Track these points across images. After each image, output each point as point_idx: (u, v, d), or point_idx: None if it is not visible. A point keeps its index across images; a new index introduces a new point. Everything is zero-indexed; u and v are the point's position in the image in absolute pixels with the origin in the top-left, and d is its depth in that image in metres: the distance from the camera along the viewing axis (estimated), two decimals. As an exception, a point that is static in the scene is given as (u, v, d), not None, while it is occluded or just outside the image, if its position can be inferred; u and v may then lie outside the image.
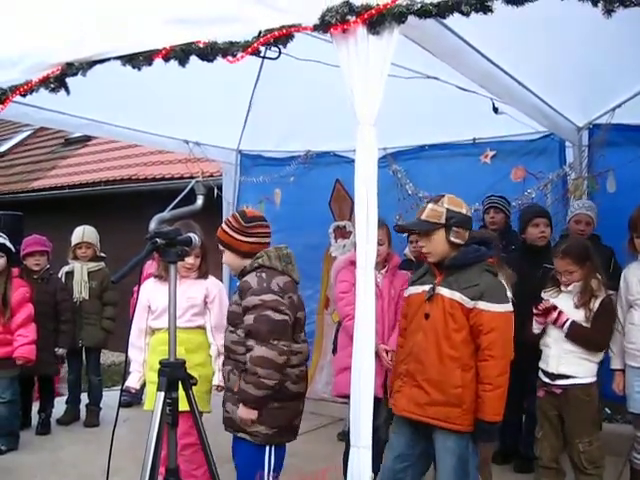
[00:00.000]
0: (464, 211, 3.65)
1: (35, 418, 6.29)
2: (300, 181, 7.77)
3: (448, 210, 3.57)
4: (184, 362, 3.16)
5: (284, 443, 3.84)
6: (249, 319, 3.53)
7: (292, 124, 7.21)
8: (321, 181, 7.64)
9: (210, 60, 3.33)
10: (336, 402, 5.94)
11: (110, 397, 6.61)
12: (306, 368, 3.90)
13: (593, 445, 4.20)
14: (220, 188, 8.19)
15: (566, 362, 4.22)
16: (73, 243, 6.47)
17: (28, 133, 19.14)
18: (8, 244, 5.66)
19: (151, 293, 4.35)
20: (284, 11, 3.10)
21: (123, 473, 4.43)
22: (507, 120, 5.54)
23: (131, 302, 6.06)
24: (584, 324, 4.21)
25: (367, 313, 2.91)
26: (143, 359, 4.41)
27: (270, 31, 3.09)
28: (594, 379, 4.25)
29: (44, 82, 3.73)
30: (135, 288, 4.29)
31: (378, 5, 2.87)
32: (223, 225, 3.93)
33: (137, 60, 3.47)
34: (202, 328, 4.40)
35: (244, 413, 3.56)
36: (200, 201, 3.33)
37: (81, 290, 6.35)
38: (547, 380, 4.30)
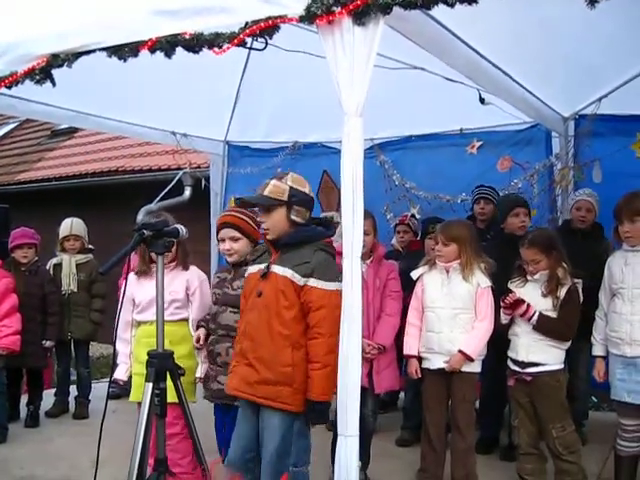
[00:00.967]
0: (307, 191, 3.64)
1: (24, 411, 6.27)
2: (288, 172, 7.75)
3: (291, 188, 3.55)
4: (172, 353, 3.19)
5: None
6: None
7: (279, 115, 7.21)
8: (309, 172, 7.48)
9: (196, 51, 3.33)
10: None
11: (99, 389, 6.61)
12: None
13: (566, 430, 4.27)
14: (208, 179, 8.19)
15: (535, 350, 4.29)
16: (61, 235, 6.44)
17: (14, 125, 19.05)
18: None
19: (134, 287, 4.39)
20: (270, 2, 3.10)
21: (112, 464, 4.41)
22: (494, 110, 5.56)
23: (119, 295, 6.05)
24: (551, 313, 4.28)
25: (354, 303, 2.93)
26: (130, 351, 4.47)
27: (256, 22, 3.09)
28: (562, 366, 4.35)
29: (29, 74, 3.71)
30: (120, 281, 4.31)
31: (363, -4, 2.88)
32: (238, 214, 4.12)
33: (123, 51, 3.47)
34: (186, 320, 4.42)
35: None
36: (188, 192, 3.35)
37: (70, 282, 6.33)
38: (517, 368, 4.37)
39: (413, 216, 6.33)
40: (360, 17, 2.90)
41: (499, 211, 5.52)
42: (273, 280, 3.50)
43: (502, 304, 4.35)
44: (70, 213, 6.73)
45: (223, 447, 4.12)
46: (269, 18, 3.07)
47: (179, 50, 3.38)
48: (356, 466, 2.92)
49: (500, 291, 4.51)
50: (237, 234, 4.10)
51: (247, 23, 3.13)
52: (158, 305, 3.12)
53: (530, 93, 5.31)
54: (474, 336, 4.41)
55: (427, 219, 5.95)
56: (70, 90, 4.77)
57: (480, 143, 6.73)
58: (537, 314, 4.26)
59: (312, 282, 3.43)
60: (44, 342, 6.07)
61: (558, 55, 4.78)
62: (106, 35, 3.51)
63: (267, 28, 3.07)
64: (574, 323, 4.29)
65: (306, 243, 3.55)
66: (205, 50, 3.31)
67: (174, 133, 7.40)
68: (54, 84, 3.77)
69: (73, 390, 6.62)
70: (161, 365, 3.04)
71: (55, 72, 3.73)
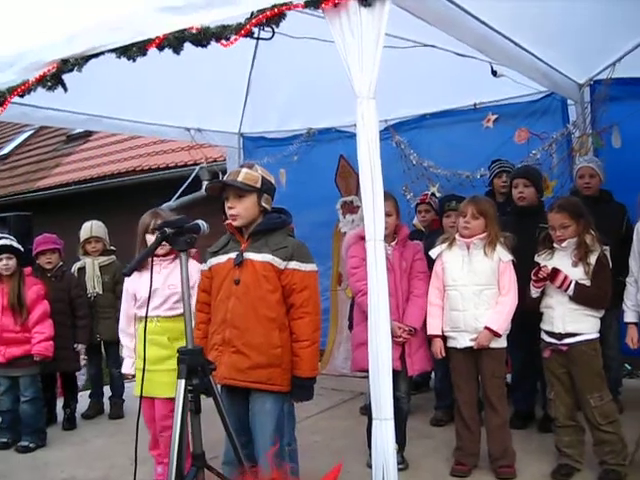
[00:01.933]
0: (273, 180, 3.77)
1: (60, 414, 6.34)
2: (304, 159, 7.77)
3: (262, 177, 3.66)
4: (202, 349, 3.20)
5: None
6: None
7: (292, 103, 7.20)
8: (325, 158, 7.63)
9: (204, 45, 3.33)
10: (356, 376, 5.98)
11: (131, 388, 6.65)
12: None
13: (604, 400, 4.23)
14: (225, 173, 8.17)
15: (571, 321, 4.25)
16: (82, 239, 6.47)
17: (29, 133, 19.15)
18: (15, 245, 5.68)
19: (135, 282, 4.42)
20: (274, -10, 3.08)
21: (150, 462, 4.48)
22: (507, 83, 5.51)
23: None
24: (585, 281, 4.23)
25: (380, 285, 2.92)
26: (134, 345, 4.53)
27: (262, 11, 3.08)
28: (598, 334, 4.30)
29: (41, 81, 3.73)
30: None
31: (368, -23, 2.85)
32: None
33: (131, 51, 3.47)
34: (179, 316, 4.36)
35: None
36: (204, 187, 3.34)
37: (94, 285, 6.36)
38: (553, 340, 4.32)
39: (433, 195, 6.28)
40: (366, -2, 2.87)
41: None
42: (250, 267, 3.58)
43: (534, 277, 4.31)
44: (91, 216, 6.76)
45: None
46: (274, 6, 3.06)
47: (187, 45, 3.37)
48: (393, 449, 2.92)
49: (520, 264, 4.49)
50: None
51: (253, 13, 3.12)
52: (185, 301, 3.13)
53: (542, 62, 5.25)
54: (499, 311, 4.39)
55: (443, 197, 5.93)
56: (82, 94, 4.78)
57: (495, 116, 6.67)
58: (574, 283, 4.21)
59: (293, 265, 3.59)
60: (76, 346, 6.12)
61: (569, 21, 4.72)
62: (113, 36, 3.52)
63: (273, 16, 3.06)
64: (609, 290, 4.24)
65: (277, 230, 3.68)
66: (213, 43, 3.31)
67: (188, 129, 7.41)
68: (66, 89, 3.79)
69: (107, 391, 6.66)
70: (192, 361, 3.05)
71: (66, 77, 3.74)
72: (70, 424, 6.23)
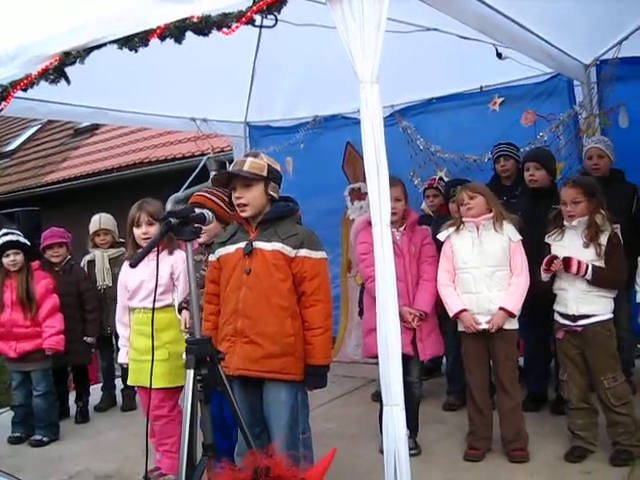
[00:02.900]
0: (279, 168, 3.75)
1: (73, 408, 6.37)
2: (311, 147, 7.74)
3: (268, 165, 3.63)
4: (210, 338, 3.20)
5: None
6: None
7: (297, 90, 7.17)
8: (332, 145, 7.60)
9: (205, 34, 3.31)
10: (368, 363, 5.96)
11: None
12: None
13: (618, 381, 4.22)
14: (232, 162, 8.13)
15: (585, 302, 4.24)
16: (91, 231, 6.49)
17: (37, 128, 19.19)
18: (22, 240, 5.69)
19: (125, 274, 4.59)
20: (275, -24, 3.06)
21: (163, 453, 4.50)
22: (512, 65, 5.46)
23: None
24: (597, 262, 4.20)
25: (387, 270, 2.90)
26: (128, 334, 4.64)
27: (262, -2, 3.06)
28: (612, 315, 4.29)
29: (43, 74, 3.72)
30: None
31: (369, -41, 2.83)
32: (210, 195, 4.22)
33: (133, 42, 3.45)
34: (171, 306, 4.44)
35: None
36: (211, 178, 3.33)
37: (104, 277, 6.37)
38: (567, 322, 4.31)
39: (441, 179, 6.26)
40: (367, -18, 2.85)
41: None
42: (260, 256, 3.56)
43: (544, 267, 4.29)
44: (99, 209, 6.77)
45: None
46: (275, -8, 3.03)
47: (189, 35, 3.35)
48: (404, 434, 2.91)
49: (532, 247, 4.47)
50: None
51: (254, 0, 3.09)
52: (192, 291, 3.12)
53: (547, 43, 5.20)
54: (513, 292, 4.38)
55: (448, 182, 5.92)
56: (87, 87, 4.79)
57: (502, 99, 6.63)
58: (591, 268, 4.18)
59: (303, 252, 3.57)
60: (86, 339, 6.14)
61: (573, 0, 4.67)
62: (114, 27, 3.50)
63: (274, 3, 3.03)
64: (624, 269, 4.23)
65: (285, 218, 3.66)
66: (215, 32, 3.29)
67: (194, 119, 7.39)
68: (69, 82, 3.78)
69: (119, 383, 6.68)
70: (201, 351, 3.05)
71: (69, 70, 3.73)
72: (83, 417, 6.26)
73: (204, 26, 3.26)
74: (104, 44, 3.57)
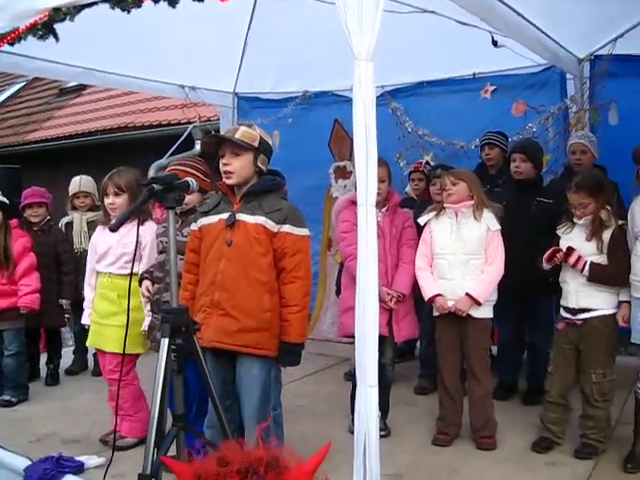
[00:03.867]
0: (271, 142, 3.73)
1: (43, 370, 6.33)
2: (299, 122, 7.70)
3: (260, 136, 3.61)
4: (187, 308, 3.17)
5: None
6: None
7: (289, 64, 7.13)
8: (320, 121, 7.56)
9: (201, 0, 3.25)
10: (341, 342, 5.96)
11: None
12: None
13: (606, 378, 4.23)
14: (218, 132, 8.10)
15: (585, 295, 4.23)
16: (70, 193, 6.40)
17: (21, 85, 18.93)
18: (1, 198, 5.62)
19: (97, 238, 4.67)
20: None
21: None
22: (507, 53, 5.44)
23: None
24: (597, 256, 4.19)
25: (369, 250, 2.88)
26: (94, 296, 4.69)
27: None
28: (614, 310, 4.25)
29: (31, 29, 3.65)
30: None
31: None
32: (186, 168, 4.10)
33: (125, 2, 3.40)
34: (134, 274, 4.39)
35: None
36: (198, 146, 3.29)
37: (81, 241, 6.29)
38: (568, 315, 4.30)
39: (428, 163, 6.25)
40: (368, -42, 2.80)
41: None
42: (243, 229, 3.54)
43: (546, 257, 4.29)
44: (81, 171, 6.68)
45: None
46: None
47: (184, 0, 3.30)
48: (376, 415, 2.90)
49: (515, 237, 4.47)
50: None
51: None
52: (171, 261, 3.09)
53: (544, 34, 5.18)
54: (483, 280, 4.38)
55: (432, 167, 5.92)
56: (76, 46, 4.71)
57: (494, 87, 6.61)
58: (588, 264, 4.18)
59: (286, 228, 3.55)
60: (60, 301, 6.08)
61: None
62: (107, -15, 3.44)
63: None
64: (626, 267, 4.16)
65: (271, 192, 3.64)
66: (210, -2, 3.24)
67: (182, 86, 7.33)
68: (57, 39, 3.72)
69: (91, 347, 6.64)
70: (176, 321, 3.02)
71: (58, 27, 3.66)
72: (53, 380, 6.23)
73: (200, -10, 3.21)
74: (96, 2, 3.52)
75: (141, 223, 4.41)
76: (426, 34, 5.53)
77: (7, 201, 5.68)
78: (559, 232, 4.40)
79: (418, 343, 6.08)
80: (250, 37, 6.79)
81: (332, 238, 7.35)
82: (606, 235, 4.19)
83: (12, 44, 3.73)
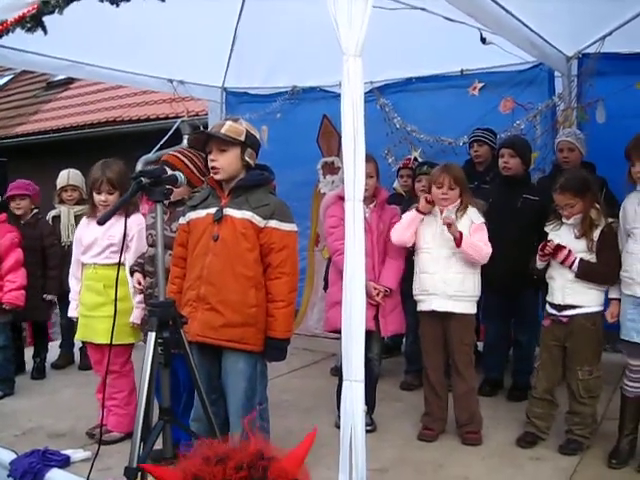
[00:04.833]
0: (258, 136, 3.74)
1: (29, 363, 6.30)
2: (287, 117, 7.69)
3: (247, 130, 3.61)
4: (174, 302, 3.17)
5: None
6: None
7: (277, 59, 7.13)
8: (308, 117, 7.56)
9: (190, -7, 3.25)
10: (328, 337, 5.99)
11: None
12: None
13: (593, 375, 4.25)
14: (206, 127, 8.09)
15: (571, 292, 4.24)
16: (58, 187, 6.38)
17: (9, 78, 18.83)
18: None
19: (83, 230, 4.69)
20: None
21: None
22: (495, 51, 5.46)
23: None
24: (587, 254, 4.21)
25: (356, 245, 2.89)
26: (80, 288, 4.70)
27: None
28: (600, 308, 4.26)
29: (20, 22, 3.63)
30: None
31: None
32: (181, 156, 4.12)
33: (115, -5, 3.38)
34: (122, 265, 4.42)
35: None
36: (186, 141, 3.28)
37: (69, 234, 6.25)
38: (554, 312, 4.32)
39: (416, 159, 6.27)
40: (357, -46, 2.80)
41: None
42: (230, 224, 3.54)
43: (540, 252, 4.30)
44: (69, 165, 6.66)
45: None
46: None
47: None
48: (362, 411, 2.92)
49: (500, 232, 4.49)
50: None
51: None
52: (159, 253, 3.09)
53: (532, 31, 5.19)
54: (476, 239, 4.36)
55: (419, 163, 5.94)
56: (64, 39, 4.69)
57: (482, 84, 6.63)
58: (577, 260, 4.19)
59: (273, 224, 3.55)
60: (45, 296, 6.04)
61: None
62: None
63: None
64: (615, 265, 4.16)
65: (259, 186, 3.64)
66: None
67: (170, 80, 7.30)
68: (45, 32, 3.70)
69: (77, 341, 6.62)
70: (163, 314, 3.02)
71: (47, 20, 3.64)
72: (39, 374, 6.21)
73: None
74: (84, -5, 3.50)
75: (128, 215, 4.44)
76: (415, 30, 5.53)
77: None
78: (547, 229, 4.42)
79: (404, 339, 6.10)
80: (239, 32, 6.78)
81: (320, 234, 7.35)
82: (596, 234, 4.21)
83: (0, 37, 3.71)
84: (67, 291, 6.19)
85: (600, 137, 5.64)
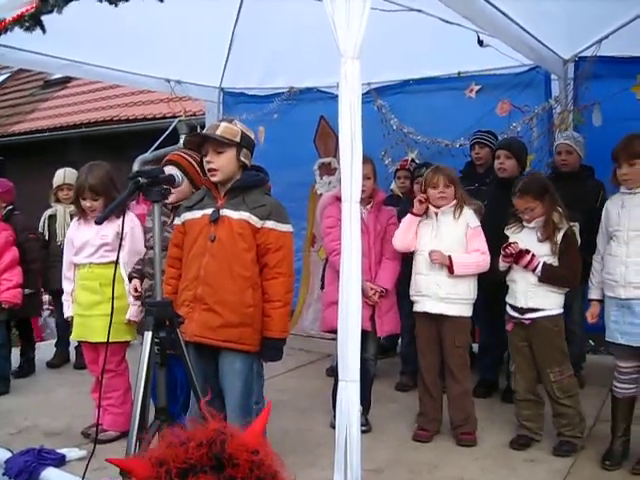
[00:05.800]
0: (253, 136, 3.74)
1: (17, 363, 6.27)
2: (284, 118, 7.70)
3: (242, 131, 3.62)
4: (171, 301, 3.17)
5: None
6: None
7: (275, 60, 7.13)
8: (305, 118, 7.57)
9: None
10: (324, 338, 6.00)
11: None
12: None
13: (564, 374, 4.29)
14: (203, 127, 8.08)
15: (534, 296, 4.28)
16: (54, 186, 6.37)
17: (6, 76, 18.79)
18: None
19: (74, 231, 4.69)
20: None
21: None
22: (492, 53, 5.48)
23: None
24: (550, 258, 4.25)
25: (353, 245, 2.90)
26: (72, 289, 4.72)
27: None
28: (561, 310, 4.33)
29: (18, 20, 3.64)
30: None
31: None
32: (185, 155, 4.16)
33: (113, -5, 3.39)
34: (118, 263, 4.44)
35: None
36: (182, 142, 3.28)
37: (64, 233, 6.22)
38: (516, 314, 4.36)
39: (413, 161, 6.28)
40: (356, -44, 2.81)
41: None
42: (227, 224, 3.55)
43: (502, 253, 4.32)
44: (66, 164, 6.66)
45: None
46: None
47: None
48: (357, 411, 2.93)
49: (495, 235, 4.50)
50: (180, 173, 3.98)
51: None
52: (156, 254, 3.09)
53: (529, 34, 5.21)
54: (469, 257, 4.40)
55: (417, 165, 5.95)
56: (62, 38, 4.69)
57: (479, 87, 6.64)
58: (541, 264, 4.22)
59: (270, 224, 3.57)
60: (25, 290, 5.84)
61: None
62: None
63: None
64: (578, 268, 4.25)
65: (255, 187, 3.65)
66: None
67: (168, 80, 7.31)
68: (44, 31, 3.71)
69: (73, 341, 6.62)
70: (160, 314, 3.02)
71: (47, 19, 3.65)
72: (23, 372, 6.17)
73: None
74: (83, -5, 3.50)
75: (117, 216, 4.45)
76: (412, 33, 5.55)
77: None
78: (508, 232, 4.45)
79: (400, 340, 6.11)
80: (237, 32, 6.79)
81: (316, 234, 7.37)
82: (558, 237, 4.25)
83: (-2, 35, 3.72)
84: (61, 289, 6.22)
85: (596, 140, 5.64)
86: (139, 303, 4.28)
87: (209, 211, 3.60)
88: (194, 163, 4.11)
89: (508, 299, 4.43)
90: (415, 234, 4.53)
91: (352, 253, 2.91)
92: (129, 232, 4.46)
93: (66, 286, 4.78)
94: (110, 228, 4.46)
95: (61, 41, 5.09)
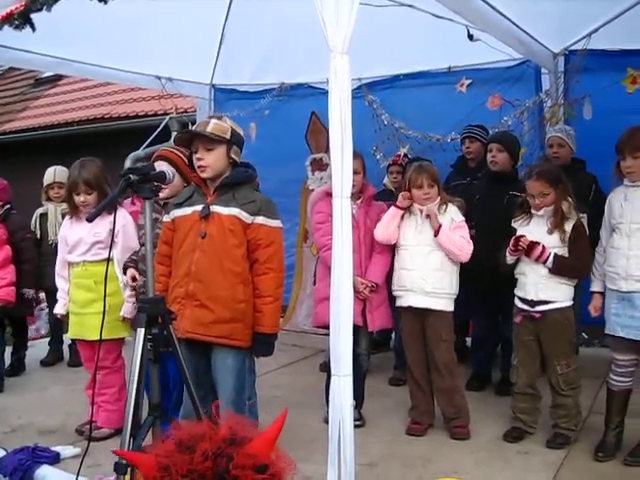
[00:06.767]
0: (242, 133, 3.75)
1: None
2: (275, 114, 7.71)
3: (231, 128, 3.63)
4: (163, 298, 3.18)
5: None
6: None
7: (266, 56, 7.14)
8: (297, 114, 7.57)
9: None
10: (317, 334, 6.00)
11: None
12: None
13: (571, 367, 4.30)
14: (195, 124, 8.07)
15: (545, 288, 4.27)
16: (45, 184, 6.33)
17: (-4, 74, 18.73)
18: None
19: (66, 230, 4.70)
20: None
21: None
22: (482, 47, 5.48)
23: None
24: (560, 249, 4.24)
25: (344, 241, 2.91)
26: (67, 288, 4.72)
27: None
28: (571, 302, 4.32)
29: (7, 19, 3.63)
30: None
31: None
32: (176, 151, 4.16)
33: (103, -8, 3.38)
34: (110, 260, 4.40)
35: None
36: (172, 139, 3.28)
37: (56, 232, 6.18)
38: (526, 307, 4.34)
39: (406, 156, 6.29)
40: (344, -49, 2.81)
41: (487, 149, 5.50)
42: (217, 220, 3.56)
43: (512, 248, 4.32)
44: (57, 162, 6.62)
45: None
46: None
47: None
48: (350, 405, 2.93)
49: (487, 229, 4.51)
50: (171, 169, 4.00)
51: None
52: (147, 250, 3.09)
53: (519, 28, 5.22)
54: (457, 234, 4.41)
55: (410, 159, 5.96)
56: (53, 36, 4.67)
57: (469, 81, 6.66)
58: (552, 256, 4.22)
59: (260, 220, 3.58)
60: (26, 291, 5.91)
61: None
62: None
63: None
64: (588, 258, 4.24)
65: (244, 183, 3.66)
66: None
67: (159, 77, 7.30)
68: (34, 29, 3.70)
69: (66, 338, 6.61)
70: (153, 310, 3.02)
71: (37, 18, 3.64)
72: (15, 371, 6.15)
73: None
74: (73, -8, 3.49)
75: (110, 212, 4.44)
76: (402, 27, 5.56)
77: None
78: (515, 224, 4.45)
79: (393, 335, 6.12)
80: (227, 28, 6.79)
81: (308, 230, 7.36)
82: (568, 227, 4.25)
83: (-13, 34, 3.71)
84: (55, 288, 6.20)
85: (587, 133, 5.66)
86: (134, 300, 4.28)
87: (199, 207, 3.61)
88: (183, 158, 4.10)
89: (517, 292, 4.42)
90: (397, 227, 4.54)
91: (343, 248, 2.91)
92: (121, 229, 4.46)
93: (61, 285, 4.77)
94: (103, 225, 4.46)
95: (51, 39, 5.08)
